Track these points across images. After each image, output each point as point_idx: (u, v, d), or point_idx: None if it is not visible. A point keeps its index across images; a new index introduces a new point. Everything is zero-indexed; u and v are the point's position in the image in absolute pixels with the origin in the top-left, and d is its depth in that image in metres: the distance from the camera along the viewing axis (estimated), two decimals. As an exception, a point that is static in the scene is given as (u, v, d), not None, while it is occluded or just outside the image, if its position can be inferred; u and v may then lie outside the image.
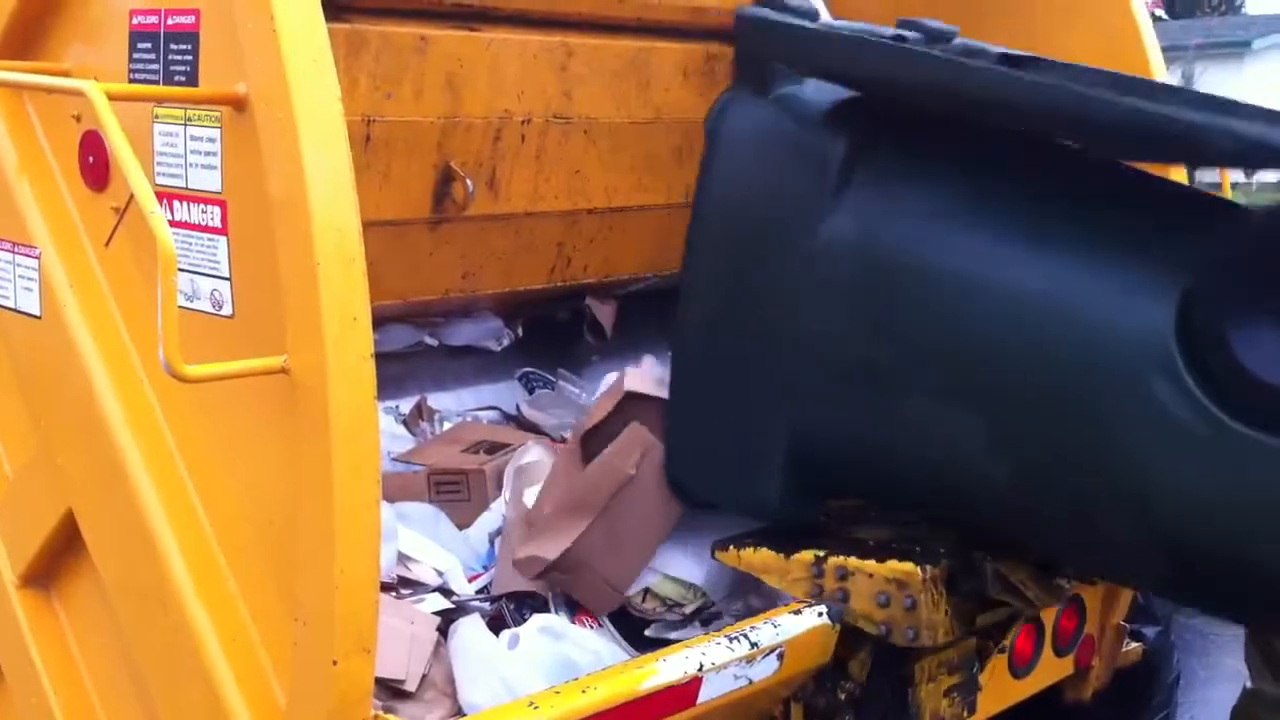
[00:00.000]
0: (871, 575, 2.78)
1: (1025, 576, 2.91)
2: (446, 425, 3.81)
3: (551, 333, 4.26)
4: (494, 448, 3.47)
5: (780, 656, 2.69)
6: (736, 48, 2.97)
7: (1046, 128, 2.67)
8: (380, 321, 3.64)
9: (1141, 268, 2.48)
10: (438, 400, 3.92)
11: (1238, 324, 2.29)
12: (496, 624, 2.82)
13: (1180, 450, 2.38)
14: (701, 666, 2.54)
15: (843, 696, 2.86)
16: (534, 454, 3.28)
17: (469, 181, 3.47)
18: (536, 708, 2.32)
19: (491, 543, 3.17)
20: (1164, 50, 3.50)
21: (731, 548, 2.95)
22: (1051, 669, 3.71)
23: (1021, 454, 2.60)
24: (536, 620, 2.77)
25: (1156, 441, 2.41)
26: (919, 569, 2.75)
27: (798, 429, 2.84)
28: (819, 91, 2.90)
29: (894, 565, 2.77)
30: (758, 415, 2.90)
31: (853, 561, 2.81)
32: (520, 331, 4.12)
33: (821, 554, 2.85)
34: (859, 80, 2.88)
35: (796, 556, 2.86)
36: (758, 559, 2.90)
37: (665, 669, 2.51)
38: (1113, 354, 2.44)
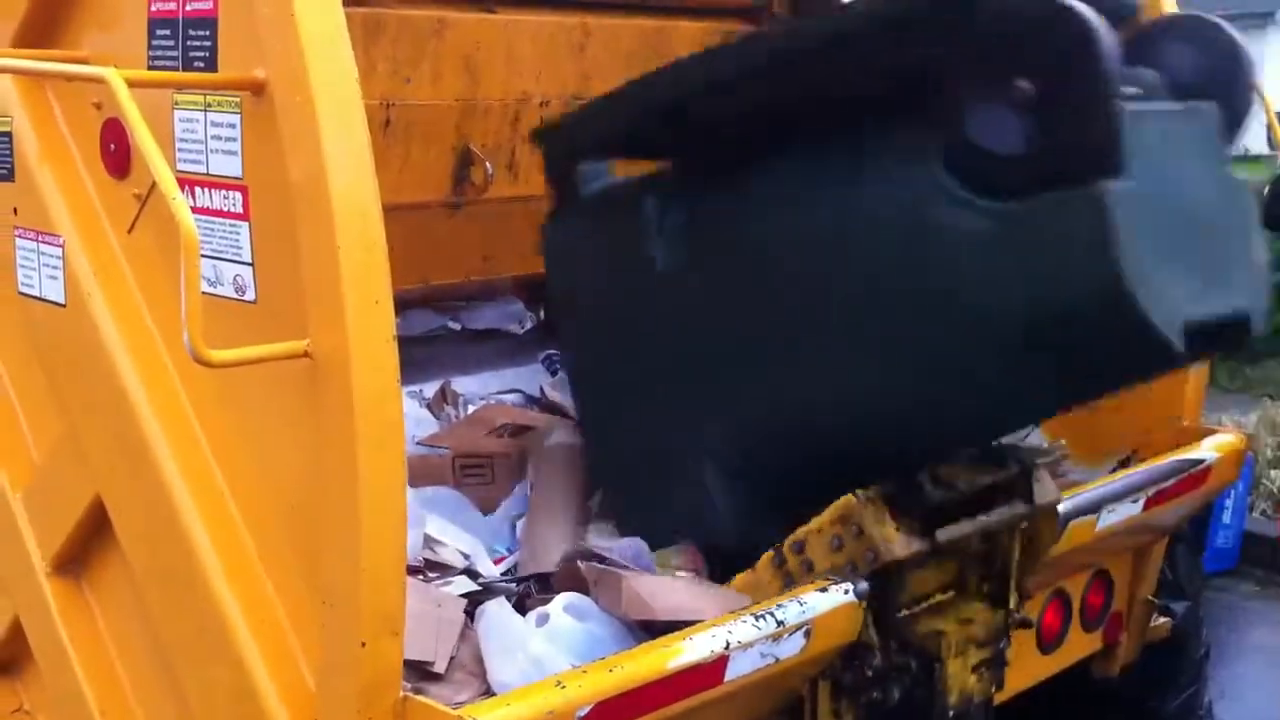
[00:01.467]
0: (820, 530, 2.82)
1: (957, 470, 2.92)
2: (470, 409, 3.82)
3: (573, 315, 4.26)
4: (518, 430, 3.47)
5: (807, 634, 2.68)
6: None
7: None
8: (401, 306, 3.63)
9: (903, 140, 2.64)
10: (461, 384, 3.93)
11: (971, 107, 2.46)
12: (522, 605, 2.82)
13: (966, 250, 2.53)
14: (728, 645, 2.54)
15: (870, 674, 2.85)
16: (558, 436, 3.28)
17: (488, 164, 3.48)
18: (564, 687, 2.31)
19: (514, 526, 3.17)
20: (1189, 21, 3.46)
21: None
22: (1079, 644, 3.70)
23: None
24: (563, 598, 2.76)
25: (952, 256, 2.56)
26: (854, 496, 2.79)
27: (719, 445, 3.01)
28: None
29: (834, 506, 2.81)
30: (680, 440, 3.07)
31: (801, 530, 2.85)
32: (542, 314, 4.12)
33: (778, 544, 2.88)
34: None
35: (760, 563, 2.88)
36: (739, 583, 2.91)
37: (692, 648, 2.50)
38: (903, 217, 2.62)
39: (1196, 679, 4.17)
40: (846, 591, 2.77)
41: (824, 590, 2.76)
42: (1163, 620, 3.97)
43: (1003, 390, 2.69)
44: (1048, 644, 3.52)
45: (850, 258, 2.74)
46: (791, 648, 2.66)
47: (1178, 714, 4.08)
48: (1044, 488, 3.04)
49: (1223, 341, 2.67)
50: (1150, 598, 3.84)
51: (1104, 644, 3.78)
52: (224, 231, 2.39)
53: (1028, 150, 2.41)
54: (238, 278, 2.38)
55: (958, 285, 2.57)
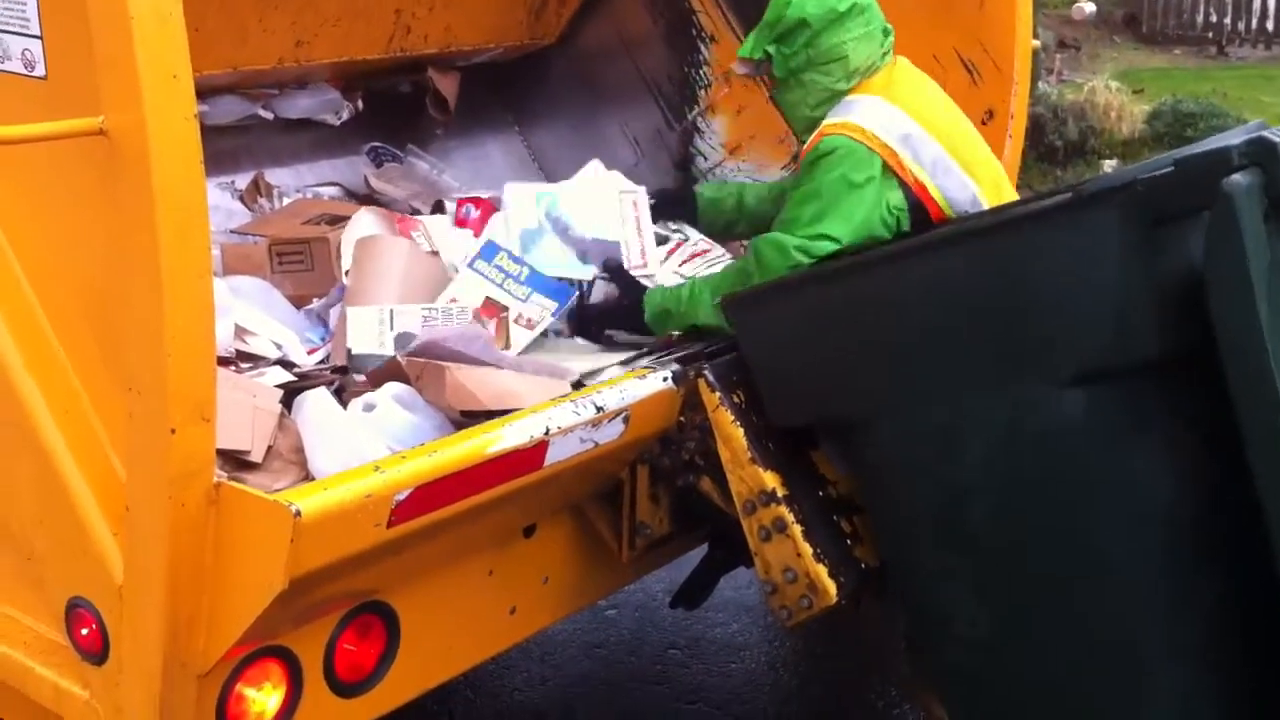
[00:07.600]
0: (799, 555, 2.73)
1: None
2: (285, 201, 3.71)
3: (393, 106, 4.15)
4: (336, 220, 3.38)
5: (626, 420, 2.72)
6: None
7: None
8: (209, 91, 3.51)
9: None
10: (275, 176, 3.81)
11: None
12: (339, 396, 2.79)
13: None
14: (548, 430, 2.56)
15: (686, 458, 2.91)
16: (366, 224, 3.20)
17: (297, -58, 3.32)
18: (382, 471, 2.31)
19: (321, 318, 3.11)
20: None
21: (730, 411, 2.78)
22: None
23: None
24: (390, 388, 2.73)
25: None
26: (836, 592, 2.72)
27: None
28: None
29: (821, 572, 2.73)
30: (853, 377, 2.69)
31: (794, 529, 2.74)
32: (360, 105, 4.00)
33: (781, 494, 2.76)
34: None
35: (760, 471, 2.77)
36: (728, 432, 2.79)
37: (511, 434, 2.51)
38: None
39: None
40: (665, 380, 2.80)
41: (643, 378, 2.79)
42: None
43: None
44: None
45: None
46: (610, 433, 2.70)
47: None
48: None
49: None
50: None
51: None
52: (9, 2, 2.24)
53: None
54: (26, 52, 2.25)
55: None
